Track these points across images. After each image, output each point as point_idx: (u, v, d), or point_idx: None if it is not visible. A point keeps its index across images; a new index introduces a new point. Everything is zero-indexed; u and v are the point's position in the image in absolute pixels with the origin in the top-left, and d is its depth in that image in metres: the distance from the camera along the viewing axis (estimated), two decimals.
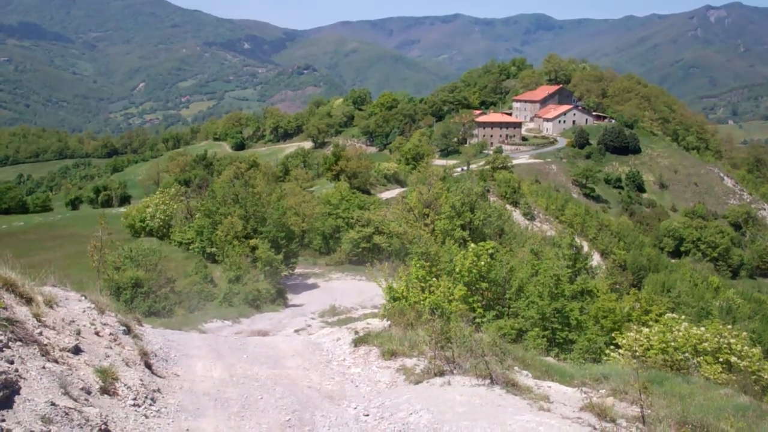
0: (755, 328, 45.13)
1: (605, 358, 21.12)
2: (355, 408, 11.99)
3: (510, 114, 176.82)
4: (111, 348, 11.81)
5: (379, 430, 10.91)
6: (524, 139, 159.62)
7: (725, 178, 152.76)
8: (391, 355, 14.73)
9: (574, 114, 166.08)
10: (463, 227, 47.39)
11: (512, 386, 12.01)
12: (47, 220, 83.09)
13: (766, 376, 19.19)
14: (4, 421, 7.59)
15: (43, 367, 9.02)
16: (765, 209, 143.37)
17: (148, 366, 12.41)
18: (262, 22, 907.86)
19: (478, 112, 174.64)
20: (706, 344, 19.37)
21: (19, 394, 7.98)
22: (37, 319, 10.69)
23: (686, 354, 19.05)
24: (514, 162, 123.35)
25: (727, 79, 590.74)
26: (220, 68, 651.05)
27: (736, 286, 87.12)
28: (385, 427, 10.97)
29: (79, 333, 11.41)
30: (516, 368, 13.60)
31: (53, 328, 10.93)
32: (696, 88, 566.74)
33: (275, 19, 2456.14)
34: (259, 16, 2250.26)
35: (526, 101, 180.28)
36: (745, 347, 19.84)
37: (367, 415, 11.54)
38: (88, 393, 9.42)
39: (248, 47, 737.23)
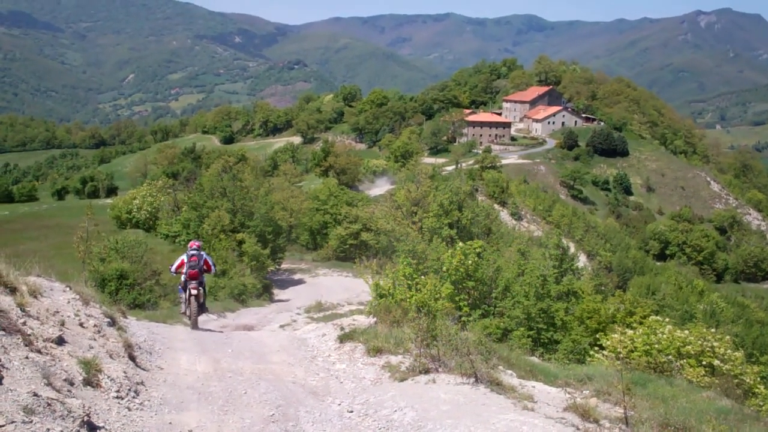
0: (738, 332, 45.24)
1: (589, 359, 21.15)
2: (340, 404, 11.97)
3: (500, 114, 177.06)
4: (95, 339, 11.74)
5: (363, 426, 10.89)
6: (513, 139, 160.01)
7: (712, 182, 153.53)
8: (376, 352, 14.69)
9: (564, 116, 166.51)
10: (450, 226, 47.34)
11: (497, 385, 12.00)
12: (33, 210, 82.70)
13: (748, 380, 19.28)
14: None
15: (26, 358, 8.96)
16: (750, 214, 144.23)
17: (132, 358, 12.34)
18: (254, 16, 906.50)
19: (468, 111, 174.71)
20: (689, 347, 19.42)
21: (1, 384, 7.91)
22: (21, 309, 10.61)
23: (670, 356, 19.09)
24: (503, 162, 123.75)
25: (715, 84, 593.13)
26: (211, 61, 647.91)
27: (720, 290, 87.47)
28: (369, 424, 10.95)
29: (63, 324, 11.33)
30: (501, 367, 13.60)
31: (37, 319, 10.86)
32: (685, 93, 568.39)
33: (267, 13, 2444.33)
34: (250, 10, 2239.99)
35: (516, 102, 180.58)
36: (728, 351, 19.89)
37: (352, 412, 11.52)
38: (71, 384, 9.35)
39: (239, 41, 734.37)
